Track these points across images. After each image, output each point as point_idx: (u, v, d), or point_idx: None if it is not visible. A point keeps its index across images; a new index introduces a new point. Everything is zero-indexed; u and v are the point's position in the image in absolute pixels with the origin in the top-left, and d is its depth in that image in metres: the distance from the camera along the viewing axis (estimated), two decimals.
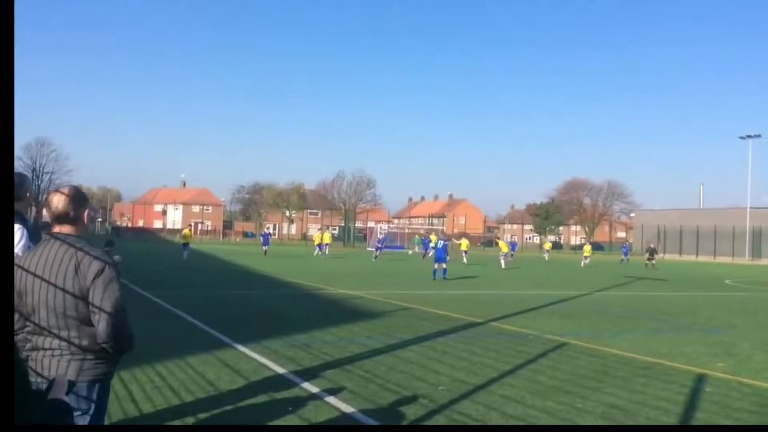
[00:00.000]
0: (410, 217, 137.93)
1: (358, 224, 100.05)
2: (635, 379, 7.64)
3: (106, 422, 5.07)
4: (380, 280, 23.11)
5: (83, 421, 2.88)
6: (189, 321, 11.29)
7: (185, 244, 32.82)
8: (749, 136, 79.26)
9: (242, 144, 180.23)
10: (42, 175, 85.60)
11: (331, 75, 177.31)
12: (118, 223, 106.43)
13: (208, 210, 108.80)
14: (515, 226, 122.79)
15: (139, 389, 6.29)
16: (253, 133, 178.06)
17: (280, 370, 7.46)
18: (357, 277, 23.66)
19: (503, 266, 33.94)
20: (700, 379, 7.76)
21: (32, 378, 2.76)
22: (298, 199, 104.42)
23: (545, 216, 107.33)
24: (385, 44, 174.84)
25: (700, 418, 6.04)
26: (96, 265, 2.90)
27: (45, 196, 65.90)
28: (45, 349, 2.91)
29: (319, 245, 42.51)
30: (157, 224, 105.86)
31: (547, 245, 58.89)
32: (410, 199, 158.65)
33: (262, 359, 7.99)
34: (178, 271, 23.91)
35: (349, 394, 6.42)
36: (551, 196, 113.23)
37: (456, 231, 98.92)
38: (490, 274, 28.87)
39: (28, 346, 2.94)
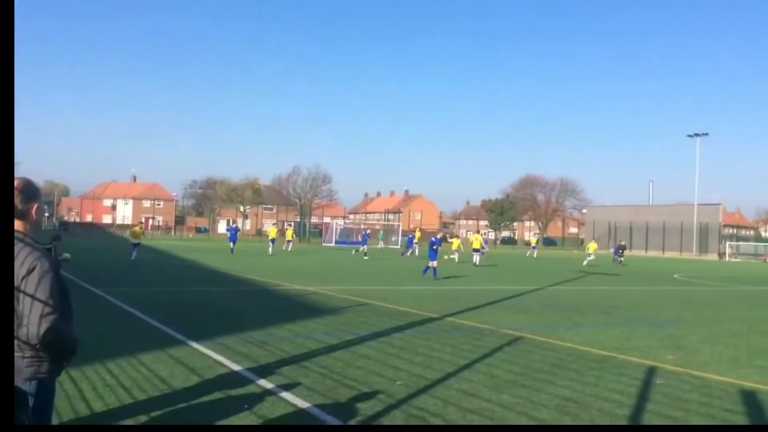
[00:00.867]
0: (366, 213, 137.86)
1: (314, 220, 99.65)
2: (589, 372, 7.80)
3: (56, 422, 4.95)
4: (336, 276, 23.05)
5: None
6: (141, 318, 11.07)
7: (135, 244, 27.94)
8: (697, 135, 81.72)
9: (195, 138, 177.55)
10: None
11: (286, 69, 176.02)
12: (66, 218, 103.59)
13: (159, 205, 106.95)
14: (470, 222, 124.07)
15: (90, 388, 6.13)
16: (206, 127, 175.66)
17: (236, 367, 7.38)
18: (313, 274, 23.56)
19: (477, 263, 33.54)
20: (651, 372, 7.96)
21: None
22: (252, 195, 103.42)
23: (500, 212, 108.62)
24: (342, 40, 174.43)
25: (652, 409, 6.20)
26: (30, 260, 2.78)
27: None
28: None
29: (273, 240, 40.16)
30: (107, 219, 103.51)
31: (533, 240, 58.55)
32: (366, 195, 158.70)
33: (216, 356, 7.88)
34: (128, 268, 23.41)
35: (306, 391, 6.38)
36: (506, 192, 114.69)
37: (411, 226, 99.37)
38: (448, 272, 29.10)
39: None
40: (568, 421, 5.71)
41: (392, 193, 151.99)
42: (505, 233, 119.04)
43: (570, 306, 15.49)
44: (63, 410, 5.33)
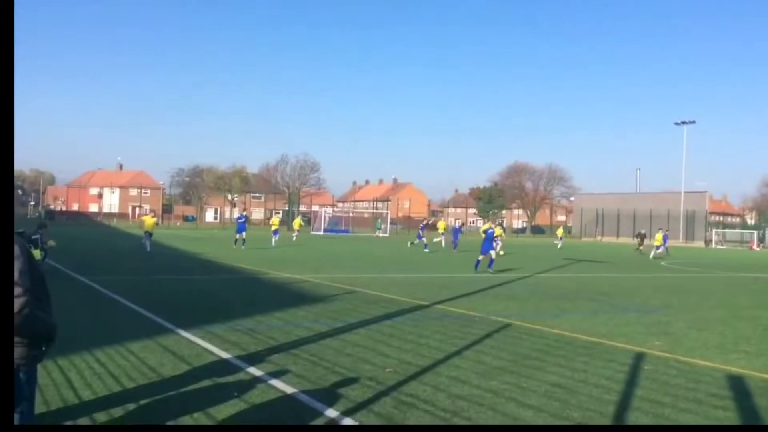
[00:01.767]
0: (355, 201, 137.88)
1: (302, 208, 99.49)
2: (577, 359, 7.85)
3: (45, 410, 4.92)
4: (324, 263, 23.02)
5: None
6: (128, 307, 11.01)
7: (148, 233, 26.09)
8: (684, 123, 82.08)
9: (181, 126, 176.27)
10: None
11: (273, 57, 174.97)
12: (52, 206, 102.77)
13: (146, 193, 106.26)
14: (459, 210, 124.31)
15: (78, 376, 6.10)
16: (193, 115, 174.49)
17: (224, 354, 7.36)
18: (301, 262, 23.53)
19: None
20: (639, 358, 8.02)
21: None
22: (240, 183, 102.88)
23: (488, 200, 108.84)
24: (329, 27, 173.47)
25: (640, 395, 6.25)
26: None
27: None
28: None
29: (275, 231, 36.17)
30: (93, 208, 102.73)
31: (560, 231, 56.25)
32: (354, 183, 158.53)
33: (205, 344, 7.86)
34: (116, 256, 23.28)
35: (295, 378, 6.38)
36: (494, 180, 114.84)
37: (400, 215, 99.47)
38: (436, 258, 29.14)
39: None
40: (557, 406, 5.74)
41: (381, 182, 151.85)
42: (497, 221, 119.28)
43: (558, 293, 15.57)
44: (51, 399, 5.30)
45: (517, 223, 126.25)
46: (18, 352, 2.83)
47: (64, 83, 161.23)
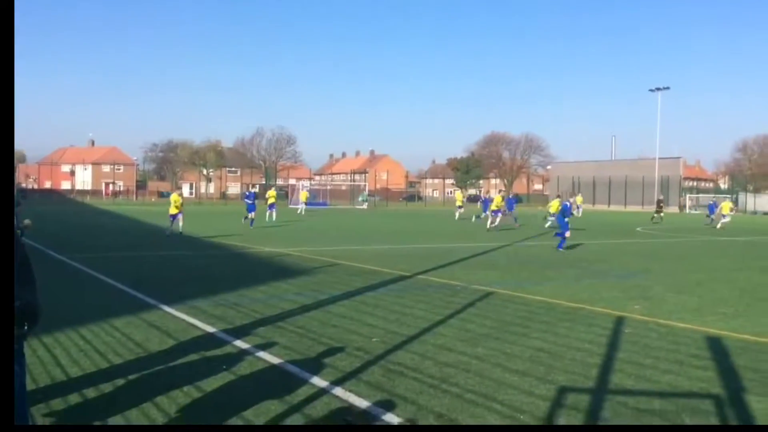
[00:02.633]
0: (332, 174, 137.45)
1: (279, 182, 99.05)
2: (560, 324, 8.00)
3: (34, 387, 4.92)
4: (305, 237, 23.02)
5: None
6: (110, 284, 10.94)
7: (175, 214, 22.93)
8: (659, 89, 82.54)
9: (154, 100, 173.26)
10: None
11: (246, 28, 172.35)
12: (24, 185, 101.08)
13: (119, 169, 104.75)
14: (437, 181, 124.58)
15: (65, 354, 6.08)
16: (165, 89, 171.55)
17: (210, 329, 7.38)
18: (282, 236, 23.49)
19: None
20: (620, 322, 8.19)
21: None
22: (215, 157, 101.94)
23: (466, 170, 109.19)
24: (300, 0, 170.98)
25: (622, 357, 6.40)
26: None
27: None
28: None
29: (271, 205, 33.89)
30: (66, 185, 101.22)
31: (579, 199, 53.78)
32: (331, 156, 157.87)
33: (190, 319, 7.86)
34: (95, 234, 23.04)
35: (282, 350, 6.42)
36: (471, 150, 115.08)
37: (378, 186, 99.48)
38: (419, 229, 29.27)
39: None
40: (542, 370, 5.86)
41: (357, 154, 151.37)
42: (471, 191, 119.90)
43: (538, 261, 15.77)
44: (39, 376, 5.29)
45: (495, 193, 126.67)
46: None
47: (31, 59, 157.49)
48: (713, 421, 4.66)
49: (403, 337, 7.11)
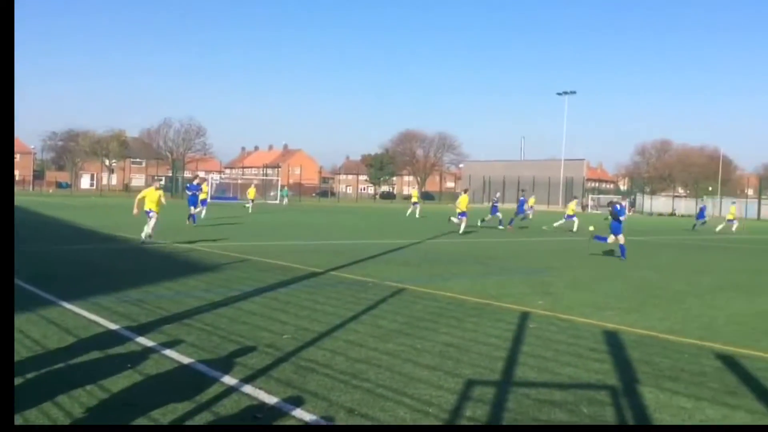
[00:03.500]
0: (243, 167, 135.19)
1: (187, 174, 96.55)
2: (468, 319, 8.24)
3: None
4: (212, 232, 22.56)
5: None
6: None
7: (203, 200, 24.72)
8: (566, 93, 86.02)
9: (53, 86, 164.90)
10: None
11: (153, 14, 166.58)
12: None
13: (15, 158, 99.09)
14: (350, 177, 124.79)
15: None
16: (65, 74, 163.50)
17: (113, 326, 7.16)
18: (188, 230, 22.93)
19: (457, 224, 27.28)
20: (525, 317, 8.53)
21: None
22: (118, 147, 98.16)
23: (380, 166, 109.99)
24: None
25: (526, 351, 6.68)
26: None
27: None
28: None
29: (203, 201, 31.76)
30: None
31: (532, 200, 53.38)
32: (243, 149, 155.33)
33: (91, 316, 7.59)
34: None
35: (190, 347, 6.32)
36: (385, 147, 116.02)
37: (291, 181, 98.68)
38: (322, 224, 29.25)
39: None
40: (450, 365, 6.04)
41: (270, 147, 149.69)
42: (385, 188, 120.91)
43: (448, 258, 16.14)
44: None
45: (408, 190, 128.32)
46: None
47: None
48: (608, 411, 4.95)
49: (314, 333, 7.13)
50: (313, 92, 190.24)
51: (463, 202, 26.44)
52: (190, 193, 25.69)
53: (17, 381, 5.03)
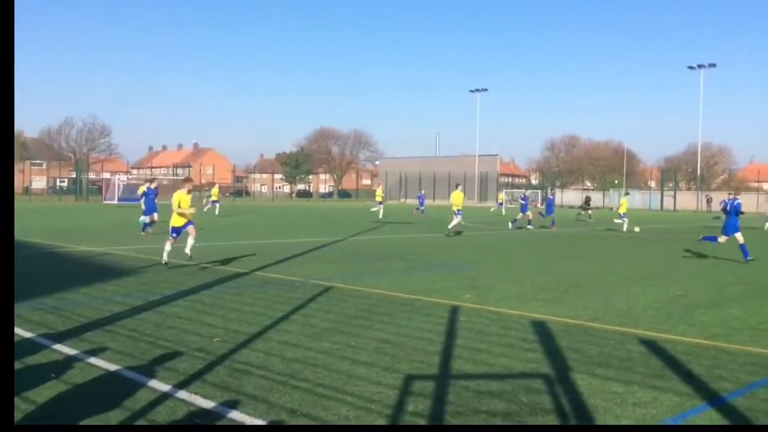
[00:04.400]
0: (152, 167, 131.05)
1: (92, 176, 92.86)
2: (400, 315, 8.31)
3: None
4: (123, 235, 21.76)
5: None
6: None
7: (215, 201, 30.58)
8: (478, 90, 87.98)
9: None
10: None
11: (53, 7, 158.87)
12: None
13: None
14: (265, 176, 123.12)
15: None
16: None
17: (29, 335, 6.80)
18: (98, 234, 22.05)
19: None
20: (455, 310, 8.68)
21: None
22: (17, 149, 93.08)
23: (295, 165, 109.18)
24: None
25: (460, 344, 6.80)
26: None
27: None
28: None
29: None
30: None
31: (501, 197, 54.66)
32: (151, 148, 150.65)
33: None
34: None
35: (116, 355, 6.08)
36: (301, 145, 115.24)
37: (204, 181, 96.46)
38: (247, 223, 28.79)
39: None
40: (387, 360, 6.07)
41: (180, 147, 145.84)
42: (301, 186, 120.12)
43: (373, 255, 16.20)
44: None
45: (324, 188, 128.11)
46: None
47: None
48: (546, 399, 5.10)
49: (245, 335, 7.01)
50: (224, 90, 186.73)
51: (457, 198, 24.48)
52: (147, 197, 21.86)
53: None
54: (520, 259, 15.96)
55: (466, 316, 8.32)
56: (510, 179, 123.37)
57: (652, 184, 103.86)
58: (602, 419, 4.66)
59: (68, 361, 5.83)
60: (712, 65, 77.55)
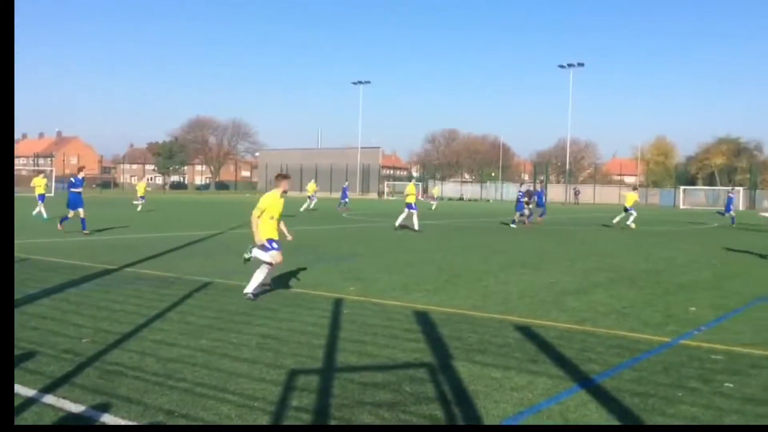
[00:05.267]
0: None
1: None
2: (283, 309, 8.24)
3: None
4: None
5: None
6: None
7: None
8: (360, 82, 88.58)
9: None
10: None
11: None
12: None
13: None
14: (135, 166, 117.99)
15: None
16: None
17: None
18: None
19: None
20: (339, 303, 8.72)
21: None
22: None
23: (168, 155, 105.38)
24: None
25: (344, 336, 6.84)
26: None
27: None
28: None
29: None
30: None
31: (436, 191, 55.92)
32: None
33: None
34: None
35: None
36: (175, 135, 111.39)
37: (67, 172, 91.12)
38: (126, 218, 27.48)
39: None
40: (270, 356, 6.01)
41: (41, 135, 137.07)
42: (175, 178, 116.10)
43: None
44: None
45: (201, 180, 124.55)
46: None
47: None
48: (429, 387, 5.24)
49: (116, 335, 6.70)
50: (89, 74, 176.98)
51: (411, 190, 24.49)
52: (75, 190, 19.41)
53: None
54: (404, 250, 16.26)
55: (350, 309, 8.38)
56: (392, 172, 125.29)
57: (525, 177, 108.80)
58: (482, 404, 4.84)
59: None
60: (581, 65, 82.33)
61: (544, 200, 32.23)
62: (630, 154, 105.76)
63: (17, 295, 8.69)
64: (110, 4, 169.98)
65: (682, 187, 74.54)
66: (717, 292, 10.45)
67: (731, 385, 5.45)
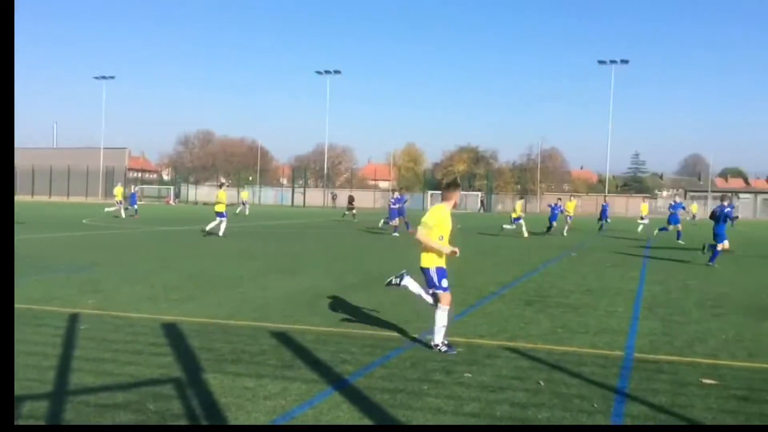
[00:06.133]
0: None
1: None
2: None
3: None
4: None
5: None
6: None
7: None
8: (104, 77, 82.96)
9: None
10: None
11: None
12: None
13: None
14: None
15: None
16: None
17: None
18: None
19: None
20: (74, 318, 8.01)
21: None
22: None
23: None
24: None
25: (79, 355, 6.28)
26: None
27: None
28: None
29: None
30: None
31: (245, 194, 51.64)
32: None
33: None
34: None
35: None
36: None
37: None
38: None
39: None
40: None
41: None
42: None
43: None
44: None
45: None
46: None
47: None
48: (175, 404, 4.99)
49: None
50: None
51: (222, 197, 23.72)
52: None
53: None
54: (149, 258, 15.46)
55: (87, 324, 7.74)
56: (140, 174, 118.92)
57: (284, 181, 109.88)
58: (234, 417, 4.73)
59: None
60: (337, 72, 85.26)
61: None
62: (384, 159, 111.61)
63: None
64: None
65: (429, 192, 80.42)
66: (460, 288, 11.39)
67: (470, 375, 5.95)
